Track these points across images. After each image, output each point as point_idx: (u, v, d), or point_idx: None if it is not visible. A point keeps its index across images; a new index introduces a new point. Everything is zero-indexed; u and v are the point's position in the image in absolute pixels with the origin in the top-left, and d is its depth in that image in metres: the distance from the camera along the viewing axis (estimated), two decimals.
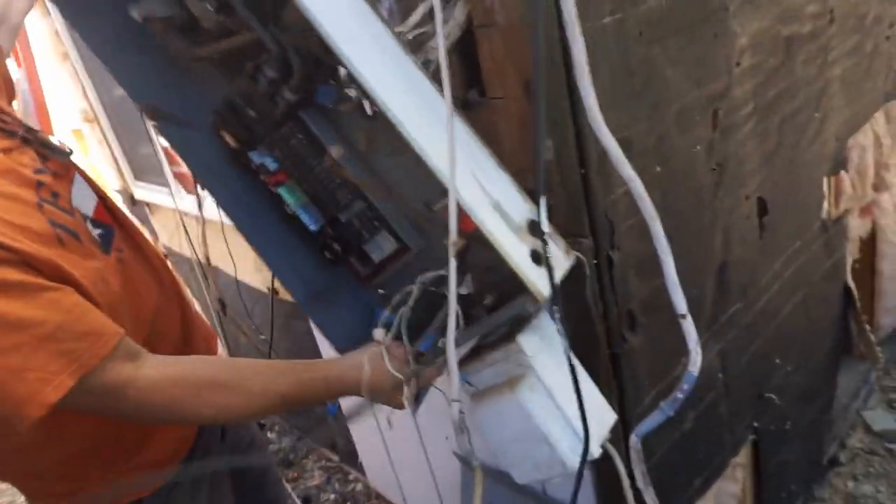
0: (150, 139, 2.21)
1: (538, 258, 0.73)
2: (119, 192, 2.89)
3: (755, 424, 1.37)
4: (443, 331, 0.76)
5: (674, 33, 0.92)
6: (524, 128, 0.87)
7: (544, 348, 0.79)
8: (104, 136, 2.83)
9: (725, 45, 1.02)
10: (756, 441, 1.40)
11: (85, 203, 0.91)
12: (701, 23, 0.97)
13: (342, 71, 0.85)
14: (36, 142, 0.87)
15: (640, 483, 0.84)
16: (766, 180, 1.21)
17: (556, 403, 0.77)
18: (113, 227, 0.95)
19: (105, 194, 0.98)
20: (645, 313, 0.97)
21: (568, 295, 0.84)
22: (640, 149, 0.90)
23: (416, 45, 0.85)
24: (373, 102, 0.70)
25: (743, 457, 1.38)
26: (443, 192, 0.70)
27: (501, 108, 0.87)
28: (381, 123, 0.78)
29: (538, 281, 0.72)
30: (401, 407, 0.86)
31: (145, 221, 2.90)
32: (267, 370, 0.86)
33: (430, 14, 0.83)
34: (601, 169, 0.86)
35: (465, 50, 0.88)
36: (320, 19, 0.67)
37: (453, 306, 0.70)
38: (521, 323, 0.80)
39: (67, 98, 2.78)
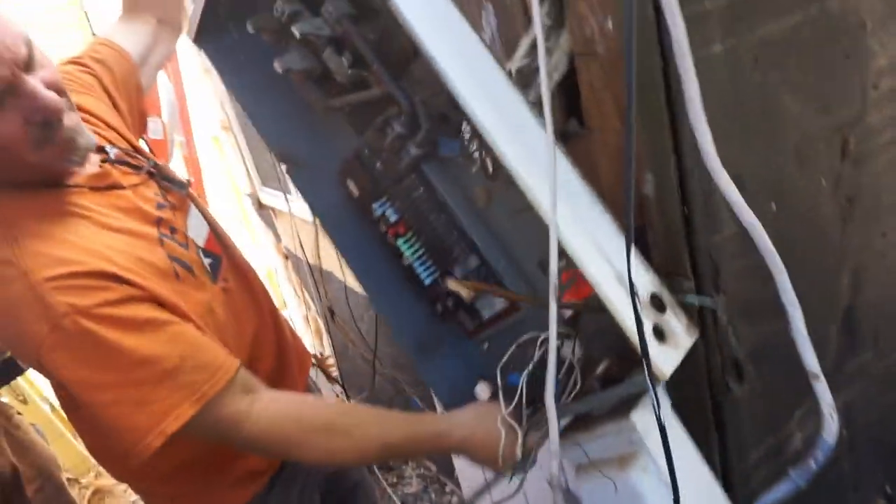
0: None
1: (661, 334, 0.69)
2: (249, 195, 3.13)
3: (887, 489, 1.22)
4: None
5: (795, 56, 0.84)
6: (621, 163, 0.83)
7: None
8: (237, 143, 3.08)
9: (859, 66, 0.92)
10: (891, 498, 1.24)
11: (199, 233, 0.98)
12: (829, 43, 0.88)
13: (466, 127, 0.86)
14: (159, 175, 0.95)
15: None
16: None
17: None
18: (221, 256, 1.02)
19: (216, 222, 1.06)
20: (753, 362, 0.90)
21: None
22: (754, 186, 0.83)
23: (523, 78, 0.84)
24: (496, 162, 0.70)
25: None
26: (560, 254, 0.69)
27: (599, 140, 0.84)
28: (502, 182, 0.78)
29: (660, 359, 0.68)
30: (501, 469, 0.86)
31: (270, 225, 3.12)
32: (381, 421, 0.89)
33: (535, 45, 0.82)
34: (706, 207, 0.80)
35: (566, 79, 0.86)
36: (451, 76, 0.68)
37: (552, 372, 0.68)
38: (635, 397, 0.76)
39: (207, 108, 3.05)
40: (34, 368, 0.79)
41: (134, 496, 3.13)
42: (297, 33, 0.87)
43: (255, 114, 1.10)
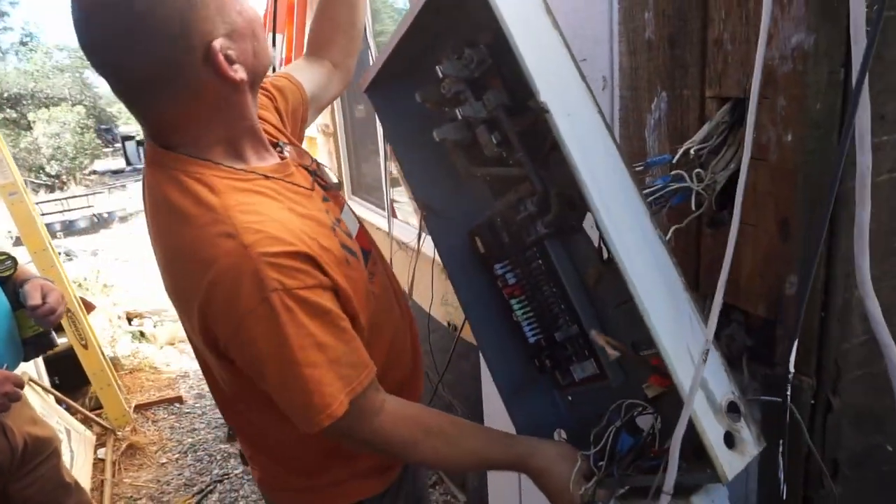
0: (381, 165, 2.49)
1: (731, 441, 0.77)
2: None
3: None
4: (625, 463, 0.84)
5: None
6: (767, 260, 0.90)
7: None
8: (336, 148, 3.24)
9: None
10: None
11: (352, 228, 1.08)
12: None
13: (590, 217, 0.95)
14: (319, 174, 1.05)
15: None
16: None
17: None
18: (370, 250, 1.11)
19: (361, 220, 1.16)
20: (852, 467, 0.94)
21: (770, 431, 0.86)
22: (887, 304, 0.89)
23: (689, 162, 0.92)
24: (610, 254, 0.79)
25: None
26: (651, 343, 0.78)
27: (750, 235, 0.91)
28: (612, 270, 0.87)
29: (726, 463, 0.75)
30: None
31: None
32: (482, 435, 0.98)
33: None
34: (843, 316, 0.87)
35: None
36: (582, 176, 0.79)
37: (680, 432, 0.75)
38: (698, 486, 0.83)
39: None
40: (216, 329, 0.84)
41: (164, 457, 3.25)
42: (459, 115, 0.98)
43: (405, 162, 1.24)
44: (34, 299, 1.59)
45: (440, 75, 0.98)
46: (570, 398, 1.18)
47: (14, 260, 1.66)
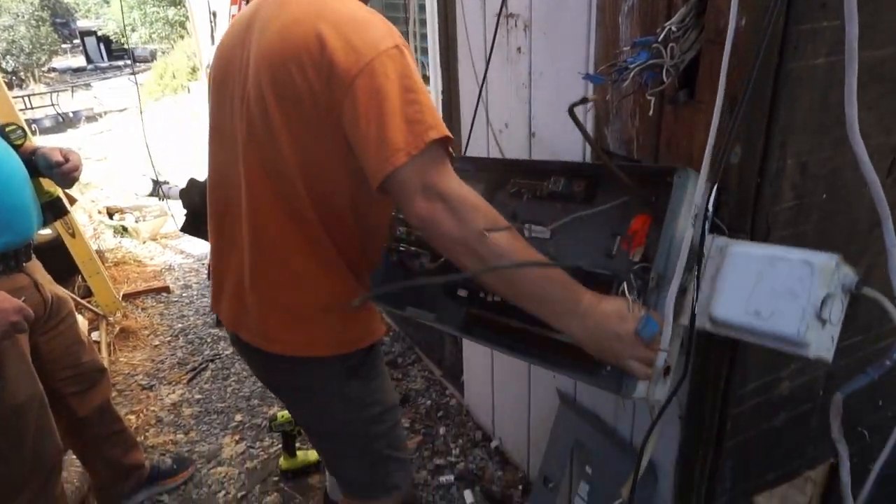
0: None
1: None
2: None
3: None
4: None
5: (877, 82, 1.04)
6: (719, 132, 1.04)
7: None
8: None
9: None
10: (834, 465, 1.51)
11: None
12: None
13: None
14: None
15: (834, 434, 0.97)
16: None
17: None
18: None
19: None
20: None
21: None
22: (813, 174, 1.04)
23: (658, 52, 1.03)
24: None
25: (819, 474, 1.50)
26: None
27: (703, 111, 1.04)
28: None
29: None
30: (641, 372, 0.93)
31: None
32: (524, 245, 0.98)
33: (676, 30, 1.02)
34: (775, 183, 1.02)
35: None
36: None
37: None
38: None
39: None
40: (345, 68, 0.98)
41: (156, 339, 3.43)
42: None
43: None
44: (57, 157, 1.69)
45: None
46: None
47: (24, 130, 1.74)
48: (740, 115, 0.90)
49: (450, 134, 0.99)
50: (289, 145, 1.09)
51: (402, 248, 1.44)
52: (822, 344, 0.83)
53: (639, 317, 0.91)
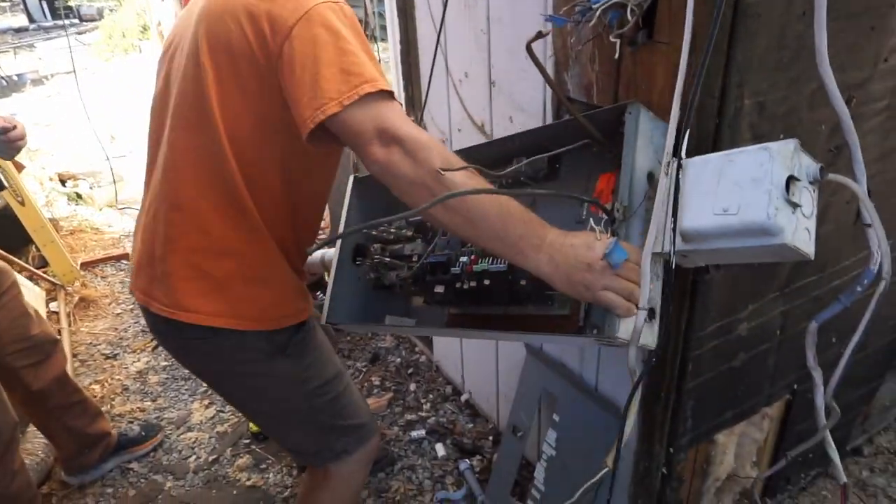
0: None
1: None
2: None
3: (794, 387, 1.53)
4: None
5: (833, 19, 1.03)
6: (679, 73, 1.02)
7: None
8: None
9: (879, 39, 1.11)
10: (790, 402, 1.56)
11: None
12: (863, 14, 1.07)
13: None
14: None
15: (809, 363, 0.95)
16: (877, 174, 1.31)
17: None
18: None
19: None
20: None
21: None
22: (770, 113, 1.04)
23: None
24: None
25: (775, 410, 1.55)
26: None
27: (663, 52, 1.02)
28: None
29: None
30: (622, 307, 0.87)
31: None
32: (481, 182, 0.95)
33: None
34: (733, 123, 1.01)
35: None
36: None
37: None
38: None
39: None
40: (281, 17, 0.98)
41: (118, 308, 3.35)
42: None
43: None
44: (4, 122, 1.61)
45: None
46: None
47: None
48: (708, 58, 0.88)
49: (389, 87, 0.97)
50: (218, 101, 1.06)
51: (377, 261, 1.40)
52: (798, 234, 0.79)
53: (606, 243, 0.88)
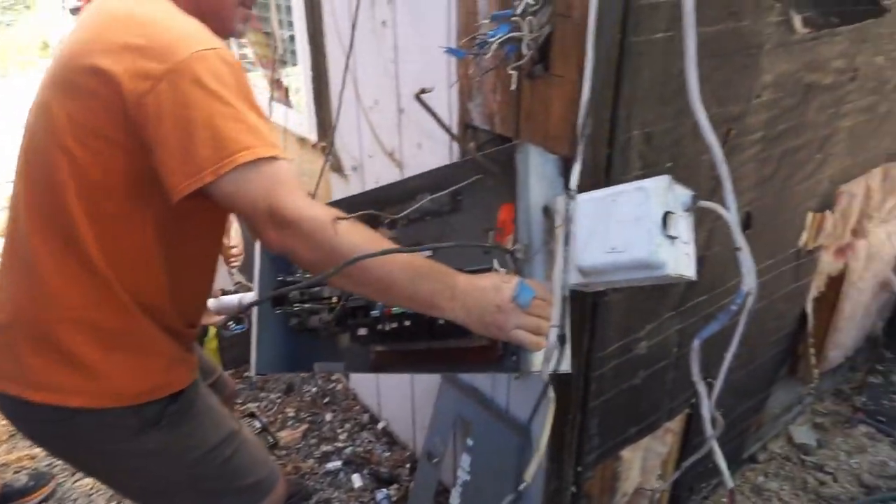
0: None
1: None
2: None
3: (693, 401, 1.61)
4: None
5: (710, 56, 1.11)
6: (570, 106, 1.07)
7: None
8: None
9: (751, 77, 1.21)
10: (690, 415, 1.64)
11: None
12: (736, 53, 1.16)
13: None
14: None
15: (694, 377, 0.98)
16: (756, 200, 1.41)
17: None
18: None
19: None
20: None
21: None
22: (658, 144, 1.11)
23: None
24: None
25: (676, 424, 1.63)
26: None
27: (558, 85, 1.07)
28: None
29: None
30: (532, 342, 0.89)
31: None
32: (378, 241, 0.94)
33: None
34: (623, 152, 1.06)
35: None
36: None
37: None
38: None
39: None
40: (154, 65, 0.89)
41: None
42: None
43: None
44: None
45: None
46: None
47: None
48: (589, 89, 0.93)
49: (268, 153, 0.90)
50: (65, 157, 0.95)
51: (297, 310, 1.38)
52: (679, 262, 0.85)
53: (513, 285, 0.91)
